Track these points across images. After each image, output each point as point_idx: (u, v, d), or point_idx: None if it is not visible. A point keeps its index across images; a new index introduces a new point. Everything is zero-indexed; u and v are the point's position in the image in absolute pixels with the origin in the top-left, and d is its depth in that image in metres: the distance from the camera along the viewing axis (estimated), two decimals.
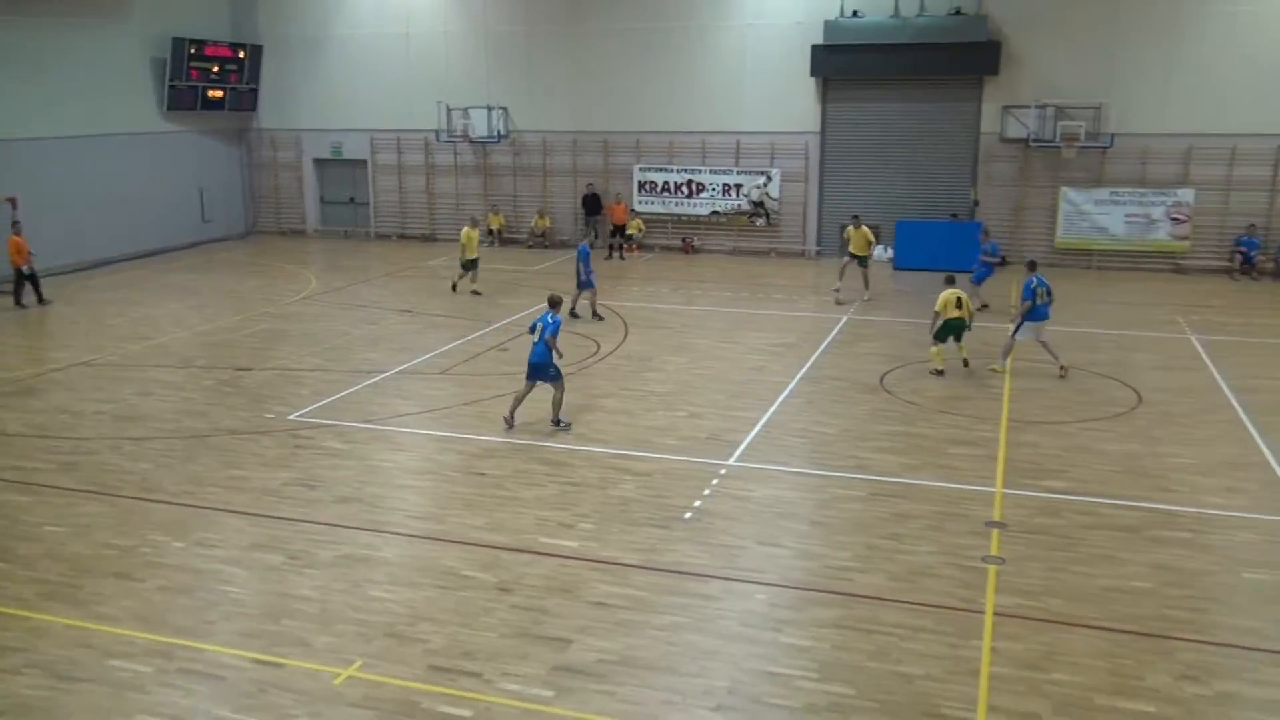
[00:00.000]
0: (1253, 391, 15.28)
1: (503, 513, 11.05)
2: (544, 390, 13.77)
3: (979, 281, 20.72)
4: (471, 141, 30.26)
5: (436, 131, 30.35)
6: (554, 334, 13.42)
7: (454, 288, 23.23)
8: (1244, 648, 8.32)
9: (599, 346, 18.13)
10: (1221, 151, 25.16)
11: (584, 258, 19.85)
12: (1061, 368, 16.12)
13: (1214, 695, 7.66)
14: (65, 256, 25.73)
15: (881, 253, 27.28)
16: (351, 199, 32.86)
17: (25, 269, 21.73)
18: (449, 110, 29.97)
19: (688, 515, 10.97)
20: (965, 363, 16.57)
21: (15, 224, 22.13)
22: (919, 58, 26.29)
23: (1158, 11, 25.06)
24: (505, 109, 30.00)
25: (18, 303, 21.73)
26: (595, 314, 20.25)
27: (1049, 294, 16.29)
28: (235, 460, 12.67)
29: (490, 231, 30.62)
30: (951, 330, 16.36)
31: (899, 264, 26.31)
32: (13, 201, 23.11)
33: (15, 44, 24.80)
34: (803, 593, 9.32)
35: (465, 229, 22.87)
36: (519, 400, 13.75)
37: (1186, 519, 10.82)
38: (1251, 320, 20.32)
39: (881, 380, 16.00)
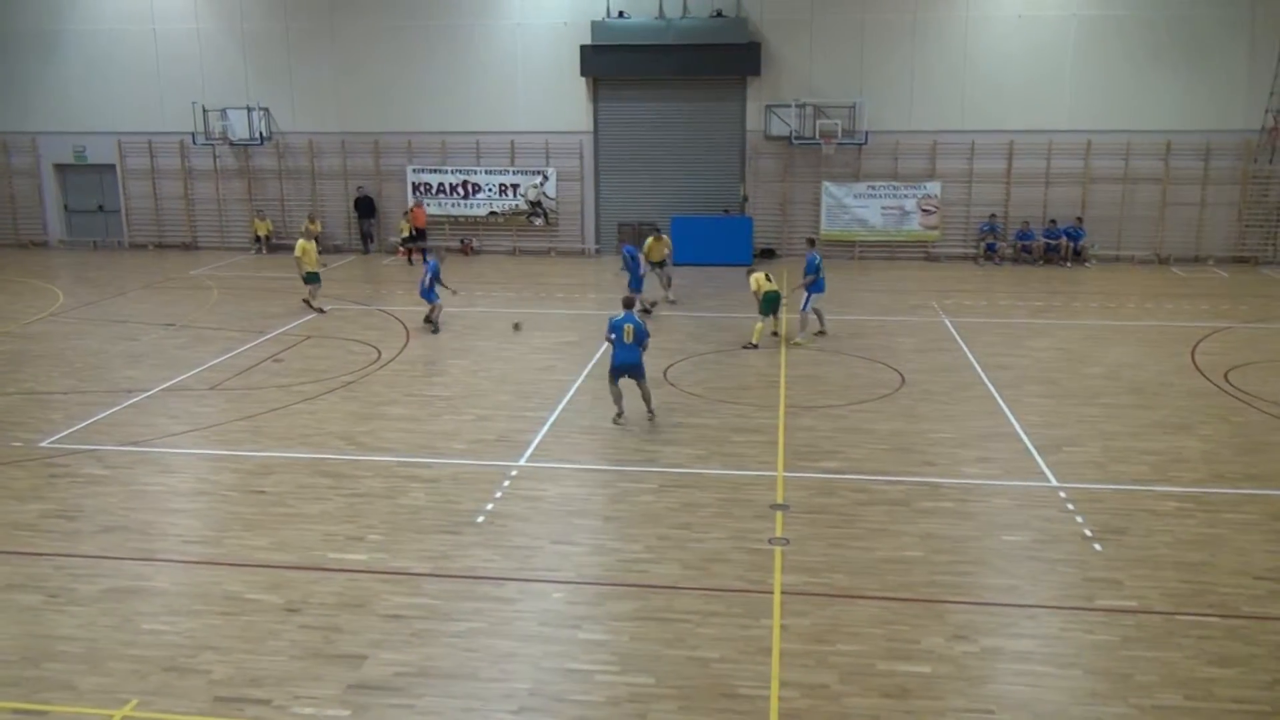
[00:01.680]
0: (1001, 368, 16.62)
1: (287, 530, 10.59)
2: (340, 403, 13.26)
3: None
4: (232, 144, 28.82)
5: (193, 134, 28.72)
6: (643, 335, 13.84)
7: (317, 308, 20.99)
8: (1004, 604, 9.03)
9: (380, 353, 17.67)
10: (962, 147, 27.24)
11: (632, 256, 20.29)
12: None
13: (980, 651, 8.28)
14: None
15: None
16: (100, 207, 30.61)
17: None
18: (205, 111, 28.43)
19: (479, 519, 10.86)
20: (775, 334, 18.47)
21: None
22: (684, 58, 27.07)
23: (902, 17, 26.83)
24: (267, 110, 28.74)
25: None
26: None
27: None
28: None
29: (257, 238, 29.28)
30: (772, 302, 17.97)
31: (677, 259, 26.96)
32: None
33: None
34: (599, 588, 9.41)
35: (300, 241, 20.96)
36: (619, 398, 13.94)
37: (949, 489, 11.64)
38: (995, 302, 22.10)
39: (665, 374, 16.37)
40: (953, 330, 19.41)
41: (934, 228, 27.60)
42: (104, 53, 29.23)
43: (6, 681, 7.89)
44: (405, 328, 19.63)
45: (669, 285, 22.38)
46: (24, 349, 18.33)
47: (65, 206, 30.85)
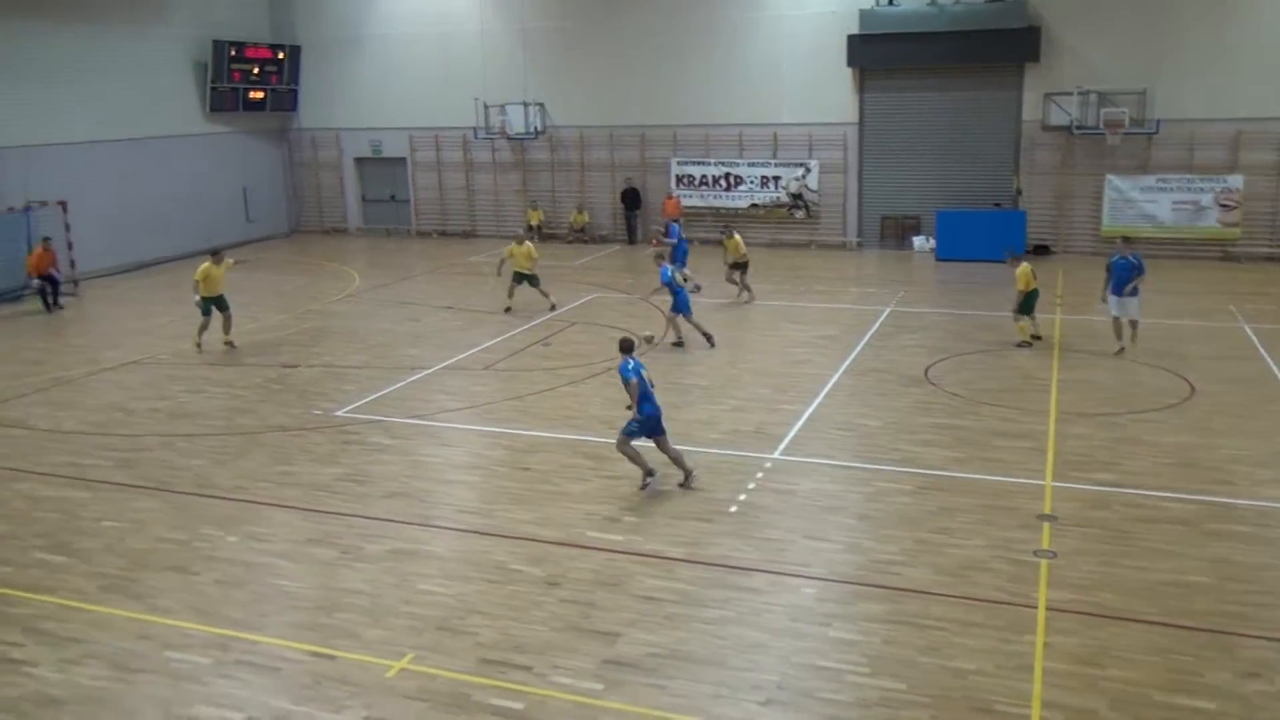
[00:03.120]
0: None
1: (550, 507, 11.11)
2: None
3: None
4: (509, 138, 30.39)
5: (474, 128, 30.50)
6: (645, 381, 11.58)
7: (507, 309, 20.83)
8: None
9: (655, 337, 18.09)
10: (1272, 136, 24.70)
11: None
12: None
13: (1278, 691, 7.54)
14: (112, 259, 26.20)
15: (924, 243, 27.11)
16: (392, 197, 33.12)
17: (53, 274, 22.10)
18: (486, 107, 30.11)
19: (733, 509, 10.97)
20: (1037, 337, 17.46)
21: (46, 238, 22.36)
22: (957, 45, 26.03)
23: None
24: (542, 105, 30.09)
25: (48, 309, 22.02)
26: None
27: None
28: (285, 456, 12.84)
29: (529, 227, 30.76)
30: (1033, 301, 17.13)
31: (941, 255, 26.10)
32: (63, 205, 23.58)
33: (58, 50, 25.20)
34: (850, 587, 9.29)
35: (511, 245, 20.81)
36: (638, 458, 11.51)
37: (1245, 512, 10.65)
38: None
39: (925, 372, 15.89)
40: (1253, 338, 17.69)
41: (1234, 225, 25.20)
42: (398, 54, 31.56)
43: (305, 625, 8.75)
44: (665, 316, 20.02)
45: (748, 289, 21.32)
46: (325, 326, 20.16)
47: (362, 197, 33.61)
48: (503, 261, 20.92)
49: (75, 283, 23.88)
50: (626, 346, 11.75)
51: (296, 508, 11.25)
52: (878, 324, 19.23)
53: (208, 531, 10.65)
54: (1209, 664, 7.88)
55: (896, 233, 28.09)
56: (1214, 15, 24.61)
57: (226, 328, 18.27)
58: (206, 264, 17.86)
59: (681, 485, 11.53)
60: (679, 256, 22.13)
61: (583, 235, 30.26)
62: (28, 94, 24.42)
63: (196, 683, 7.92)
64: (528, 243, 21.00)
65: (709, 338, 17.66)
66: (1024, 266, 17.23)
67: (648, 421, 11.36)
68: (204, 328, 18.03)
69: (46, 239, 22.34)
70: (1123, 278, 16.42)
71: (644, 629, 8.57)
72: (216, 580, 9.59)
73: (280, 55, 31.55)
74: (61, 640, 8.56)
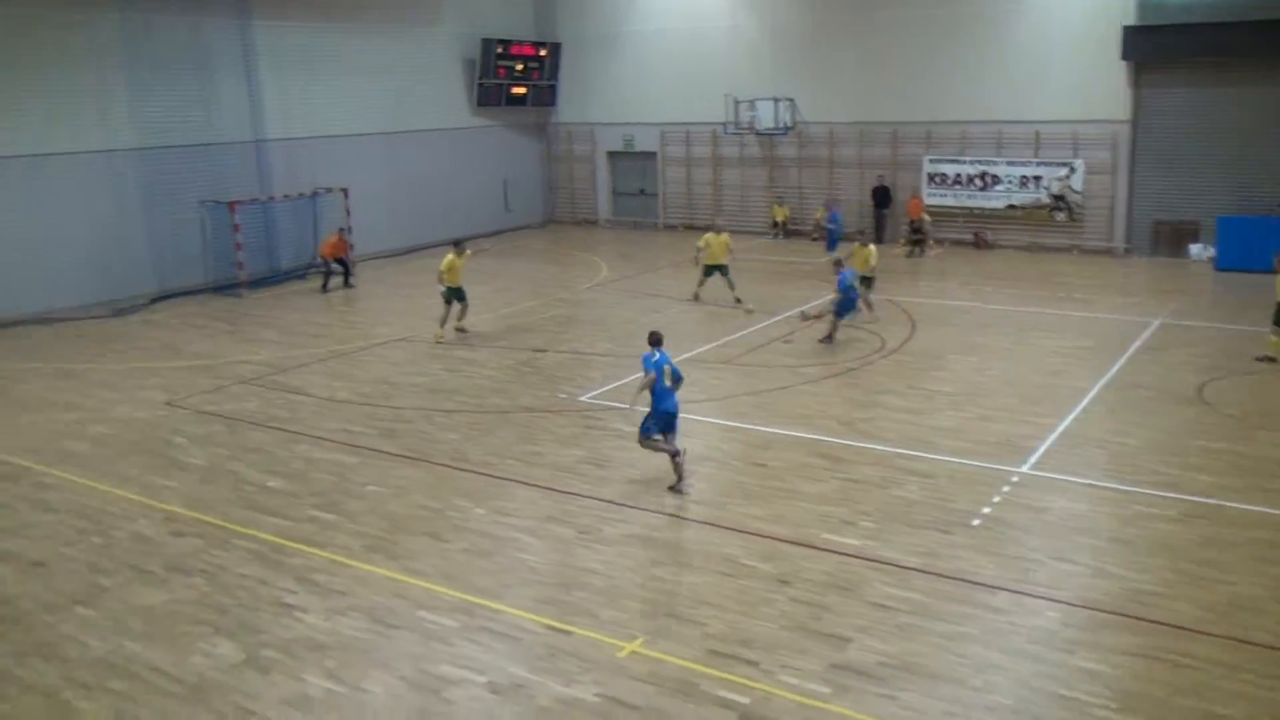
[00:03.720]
0: None
1: (783, 505, 11.10)
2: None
3: None
4: (757, 134, 30.41)
5: (723, 124, 30.70)
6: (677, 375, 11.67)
7: (696, 297, 21.32)
8: None
9: (884, 342, 17.77)
10: None
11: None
12: None
13: None
14: (383, 244, 28.21)
15: (1202, 252, 25.09)
16: (641, 190, 33.90)
17: (344, 260, 23.95)
18: (736, 103, 30.25)
19: (975, 521, 10.58)
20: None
21: (341, 229, 24.40)
22: (1252, 36, 23.77)
23: None
24: (792, 100, 29.90)
25: (325, 289, 23.76)
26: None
27: None
28: (532, 436, 13.45)
29: (774, 224, 30.72)
30: None
31: (1222, 264, 24.04)
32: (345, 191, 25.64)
33: (346, 50, 27.36)
34: (1099, 614, 8.76)
35: (707, 235, 21.05)
36: (659, 449, 11.66)
37: None
38: None
39: (1199, 391, 14.72)
40: None
41: None
42: (652, 50, 32.22)
43: (544, 599, 9.15)
44: (911, 318, 19.54)
45: (870, 306, 19.38)
46: (574, 314, 20.93)
47: (613, 190, 34.59)
48: (700, 251, 20.99)
49: (352, 263, 25.88)
50: (655, 340, 11.88)
51: (540, 486, 11.77)
52: (1144, 336, 17.96)
53: (459, 502, 11.33)
54: None
55: (1171, 239, 26.08)
56: None
57: (461, 315, 19.03)
58: (450, 255, 18.63)
59: (671, 488, 11.44)
60: (831, 242, 24.31)
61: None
62: (317, 91, 26.66)
63: (443, 643, 8.45)
64: (724, 233, 21.24)
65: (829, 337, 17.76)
66: None
67: (662, 418, 11.39)
68: (446, 317, 18.88)
69: (342, 229, 24.31)
70: None
71: (876, 637, 8.42)
72: (465, 549, 10.19)
73: (543, 52, 32.92)
74: (329, 591, 9.35)
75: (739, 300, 20.64)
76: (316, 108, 26.62)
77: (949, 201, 28.30)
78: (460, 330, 19.06)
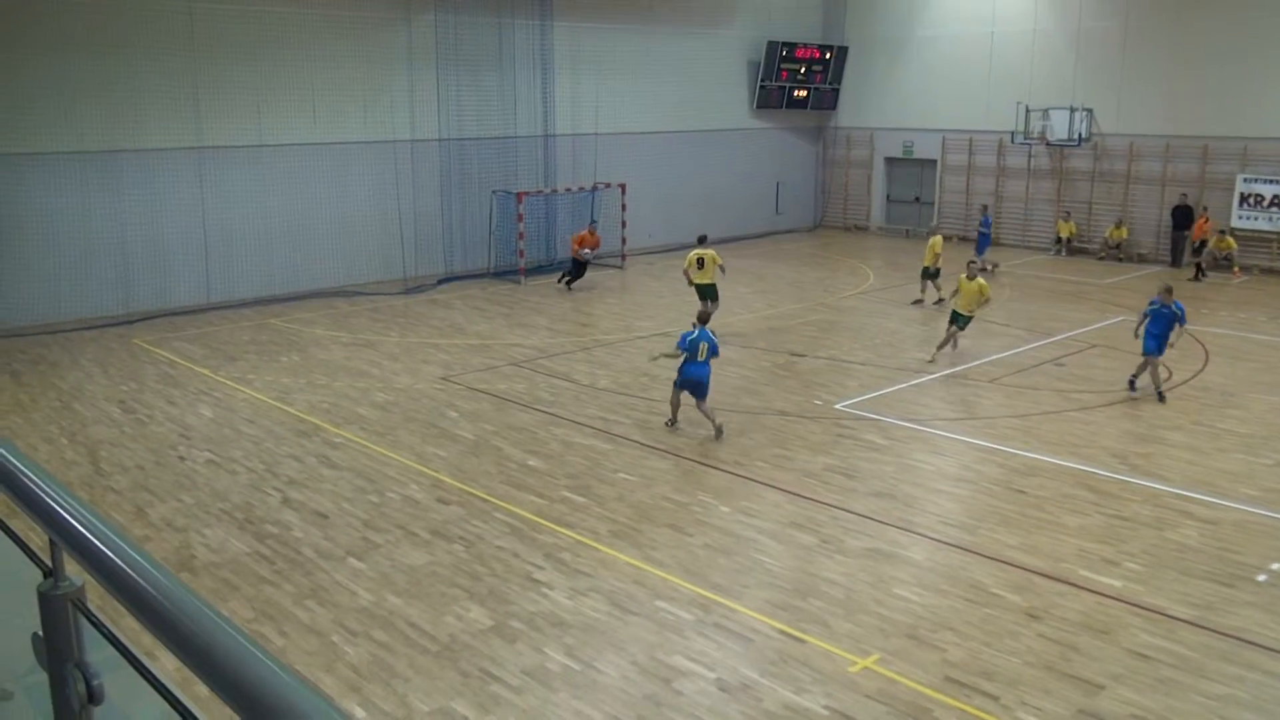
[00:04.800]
0: None
1: (1041, 535, 10.52)
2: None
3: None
4: (1049, 144, 28.84)
5: (1012, 133, 29.33)
6: (715, 350, 13.37)
7: (920, 301, 21.82)
8: None
9: (1171, 373, 16.44)
10: None
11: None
12: None
13: None
14: (658, 238, 28.94)
15: None
16: (917, 198, 33.00)
17: (585, 255, 23.52)
18: (1028, 111, 28.81)
19: (1261, 577, 9.61)
20: None
21: (594, 221, 24.61)
22: None
23: None
24: (1090, 110, 28.13)
25: (568, 286, 23.45)
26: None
27: None
28: (782, 439, 13.43)
29: (1058, 240, 29.07)
30: None
31: None
32: (623, 188, 26.46)
33: (635, 49, 28.24)
34: None
35: (932, 237, 21.52)
36: (676, 406, 13.70)
37: None
38: None
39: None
40: None
41: None
42: (942, 55, 31.23)
43: (777, 604, 9.13)
44: (1204, 349, 17.97)
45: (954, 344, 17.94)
46: (835, 320, 20.69)
47: (887, 196, 33.87)
48: (937, 255, 21.32)
49: (623, 257, 26.78)
50: (701, 318, 13.95)
51: (786, 490, 11.74)
52: None
53: (704, 498, 11.49)
54: None
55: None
56: None
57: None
58: (698, 251, 18.59)
59: (715, 439, 13.17)
60: (981, 246, 25.10)
61: (1118, 252, 27.92)
62: (606, 89, 27.72)
63: (678, 634, 8.61)
64: (939, 235, 21.68)
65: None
66: None
67: (687, 380, 13.20)
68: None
69: (594, 222, 24.70)
70: None
71: (1131, 687, 7.83)
72: (706, 544, 10.32)
73: (827, 56, 32.68)
74: (574, 571, 9.74)
75: (940, 300, 21.55)
76: (603, 105, 27.69)
77: (1262, 225, 25.74)
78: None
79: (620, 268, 26.39)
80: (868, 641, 8.49)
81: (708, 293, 18.59)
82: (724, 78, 30.99)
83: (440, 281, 24.36)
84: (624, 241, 26.88)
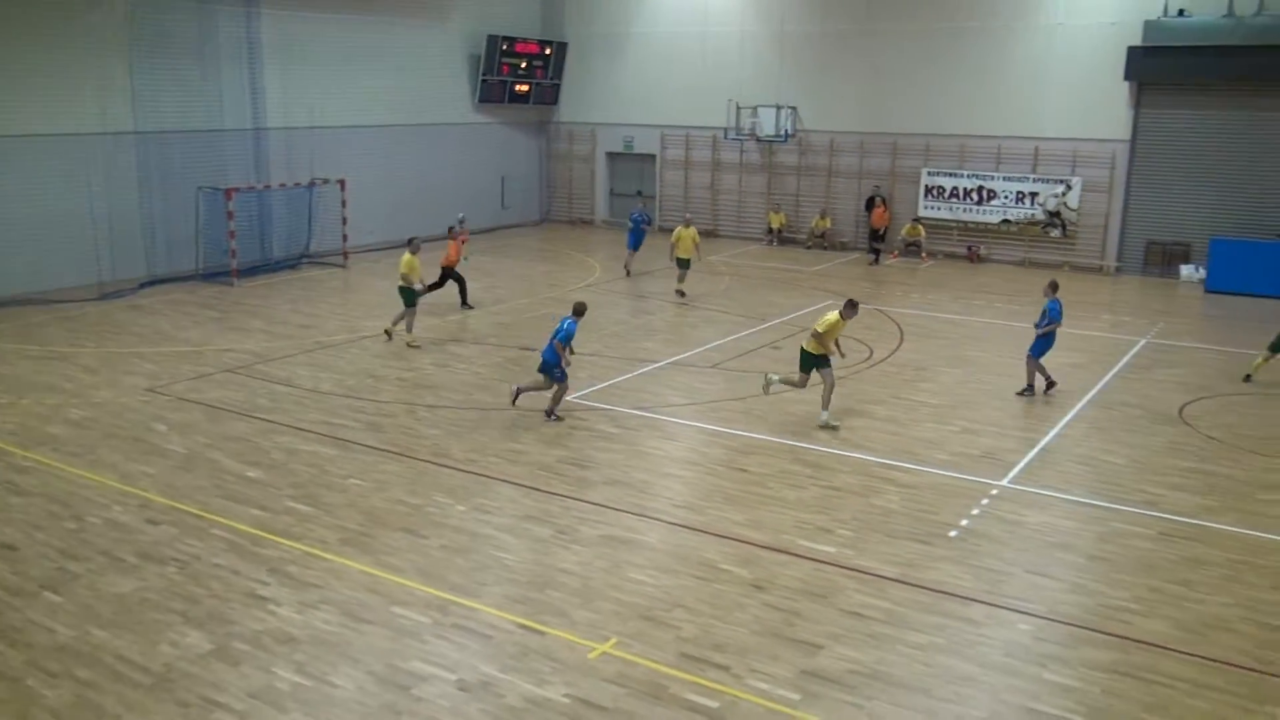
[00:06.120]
0: None
1: (763, 510, 11.09)
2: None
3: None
4: (758, 140, 30.43)
5: (725, 129, 30.73)
6: (564, 340, 13.65)
7: (679, 293, 22.20)
8: None
9: (871, 352, 17.78)
10: None
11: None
12: None
13: None
14: (381, 235, 28.14)
15: (1193, 273, 25.15)
16: (639, 192, 33.89)
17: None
18: (739, 108, 30.26)
19: (953, 533, 10.57)
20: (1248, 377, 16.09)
21: (460, 222, 22.08)
22: (1254, 61, 23.89)
23: None
24: (794, 108, 29.93)
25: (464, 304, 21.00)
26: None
27: None
28: (515, 434, 13.42)
29: (770, 230, 30.72)
30: None
31: (1211, 286, 24.10)
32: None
33: (349, 39, 27.29)
34: (1073, 629, 8.76)
35: (678, 228, 22.66)
36: (535, 388, 14.11)
37: None
38: None
39: (1181, 411, 14.74)
40: None
41: None
42: (658, 53, 32.23)
43: (515, 599, 9.12)
44: (900, 329, 19.55)
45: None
46: (564, 313, 20.82)
47: (611, 190, 34.59)
48: (674, 246, 22.28)
49: (344, 255, 25.86)
50: (577, 310, 14.27)
51: (521, 484, 11.74)
52: (1131, 355, 18.01)
53: (439, 499, 11.29)
54: None
55: (1162, 260, 26.15)
56: None
57: (400, 320, 17.82)
58: (408, 255, 17.66)
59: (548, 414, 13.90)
60: (633, 241, 24.89)
61: (823, 241, 29.92)
62: (320, 81, 26.59)
63: (416, 639, 8.42)
64: (693, 226, 22.65)
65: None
66: None
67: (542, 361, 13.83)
68: (402, 318, 17.77)
69: (460, 222, 21.71)
70: None
71: (847, 645, 8.41)
72: (442, 545, 10.16)
73: (547, 51, 32.91)
74: (302, 584, 9.31)
75: (681, 294, 22.14)
76: (318, 98, 26.53)
77: (944, 215, 28.34)
78: (388, 334, 18.01)
79: (342, 266, 25.49)
80: (606, 627, 8.64)
81: (684, 265, 22.08)
82: (445, 71, 30.53)
83: (142, 285, 22.57)
84: (345, 239, 25.96)
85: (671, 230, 24.42)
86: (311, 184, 25.52)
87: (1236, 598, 9.26)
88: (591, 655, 8.21)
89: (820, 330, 13.70)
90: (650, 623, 8.73)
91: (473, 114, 31.68)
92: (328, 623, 8.65)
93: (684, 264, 22.45)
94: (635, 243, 24.90)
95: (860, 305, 14.26)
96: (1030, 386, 15.47)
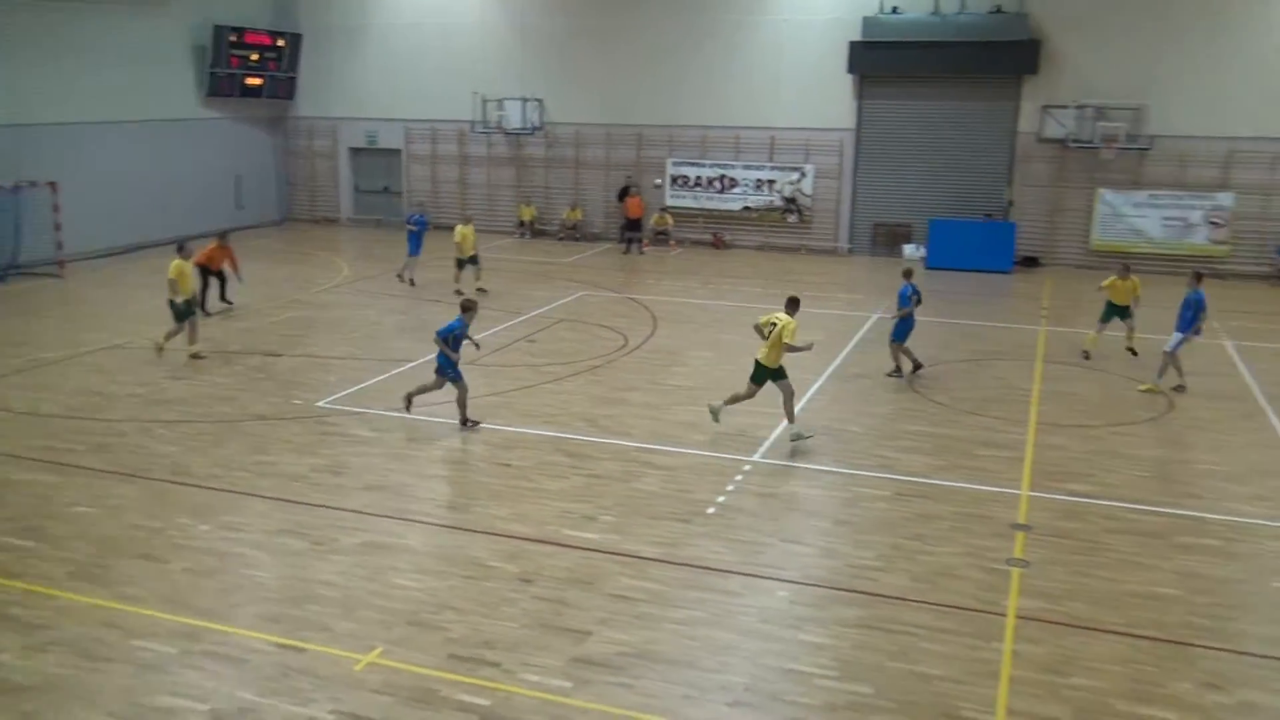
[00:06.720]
0: None
1: (527, 503, 11.10)
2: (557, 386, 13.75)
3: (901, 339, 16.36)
4: (506, 133, 30.36)
5: (471, 122, 30.46)
6: (443, 336, 13.15)
7: (458, 291, 21.33)
8: (1268, 657, 8.22)
9: (627, 340, 18.15)
10: (1264, 156, 24.79)
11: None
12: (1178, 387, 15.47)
13: (1235, 704, 7.58)
14: (102, 240, 26.09)
15: (914, 251, 27.17)
16: (385, 188, 33.07)
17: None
18: (484, 101, 30.07)
19: (710, 510, 10.97)
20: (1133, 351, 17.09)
21: (223, 236, 20.40)
22: (958, 55, 26.10)
23: (1202, 11, 24.70)
24: (540, 101, 30.07)
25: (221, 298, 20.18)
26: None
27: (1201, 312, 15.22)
28: (263, 445, 12.80)
29: (521, 223, 30.74)
30: (1116, 313, 17.00)
31: (931, 264, 26.14)
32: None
33: (57, 27, 25.10)
34: (824, 591, 9.29)
35: (459, 226, 21.90)
36: (425, 389, 13.59)
37: (1216, 526, 10.69)
38: None
39: (910, 380, 15.91)
40: (1235, 356, 17.77)
41: (1223, 243, 25.30)
42: (399, 45, 31.51)
43: (272, 617, 8.71)
44: (653, 316, 20.05)
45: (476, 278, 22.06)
46: (312, 316, 20.11)
47: (356, 187, 33.55)
48: (459, 245, 21.84)
49: (59, 264, 23.78)
50: (465, 306, 13.70)
51: (272, 498, 11.21)
52: (864, 330, 19.28)
53: (180, 520, 10.61)
54: (1171, 675, 7.92)
55: (888, 240, 28.12)
56: (1210, 34, 24.71)
57: (179, 333, 16.60)
58: (177, 260, 16.46)
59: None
60: (413, 247, 23.06)
61: (575, 233, 30.24)
62: (19, 71, 24.29)
63: (162, 672, 7.88)
64: (472, 224, 22.38)
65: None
66: (1114, 280, 17.10)
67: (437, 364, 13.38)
68: (177, 333, 16.58)
69: (223, 236, 20.31)
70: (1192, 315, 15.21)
71: (615, 628, 8.56)
72: (187, 569, 9.55)
73: (280, 42, 31.47)
74: (27, 626, 8.51)
75: (482, 290, 21.55)
76: (19, 92, 24.22)
77: (689, 203, 29.30)
78: (196, 357, 16.59)
79: (58, 276, 23.42)
80: (370, 637, 8.40)
81: (469, 263, 21.63)
82: (168, 63, 28.59)
83: None
84: (60, 246, 23.87)
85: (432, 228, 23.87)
86: (16, 188, 23.27)
87: (962, 547, 10.11)
88: (357, 667, 7.97)
89: (787, 339, 12.64)
90: (417, 627, 8.57)
91: (201, 109, 29.89)
92: (60, 665, 7.95)
93: (472, 261, 21.92)
94: (416, 247, 22.95)
95: (801, 300, 13.48)
96: (899, 369, 16.20)
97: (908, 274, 16.52)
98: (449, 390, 13.44)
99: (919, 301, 16.03)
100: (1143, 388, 15.52)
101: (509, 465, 12.26)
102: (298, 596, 9.06)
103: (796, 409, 13.08)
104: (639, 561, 9.78)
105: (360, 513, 10.84)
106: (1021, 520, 10.76)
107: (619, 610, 8.85)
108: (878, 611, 8.89)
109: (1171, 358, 15.33)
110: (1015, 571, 9.59)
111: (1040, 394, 15.33)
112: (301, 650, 8.20)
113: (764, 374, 12.90)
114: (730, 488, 11.58)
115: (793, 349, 12.67)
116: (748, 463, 12.36)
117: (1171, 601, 9.06)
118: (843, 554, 10.02)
